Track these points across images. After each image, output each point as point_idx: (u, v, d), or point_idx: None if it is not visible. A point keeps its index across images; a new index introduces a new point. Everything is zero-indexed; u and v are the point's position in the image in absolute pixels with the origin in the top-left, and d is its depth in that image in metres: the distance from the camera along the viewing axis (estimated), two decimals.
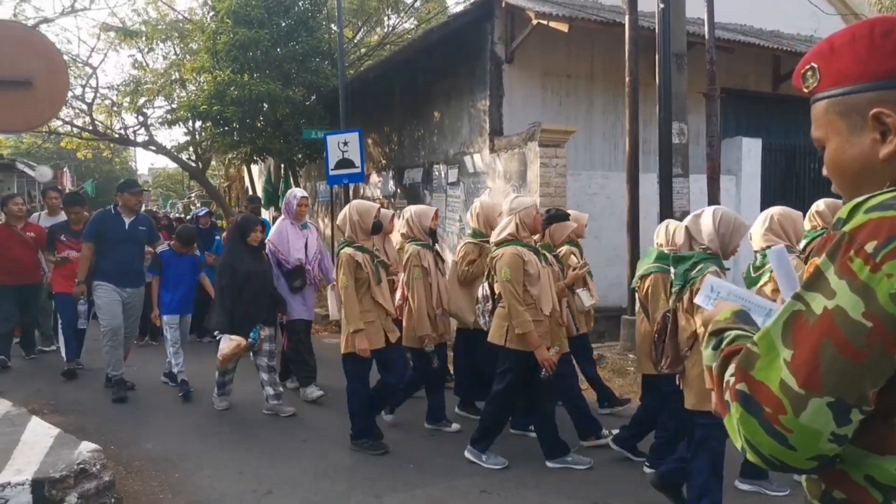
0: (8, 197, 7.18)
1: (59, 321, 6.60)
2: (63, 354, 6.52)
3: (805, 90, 1.04)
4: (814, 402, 0.81)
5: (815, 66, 1.01)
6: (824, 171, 1.05)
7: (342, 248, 4.39)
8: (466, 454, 4.28)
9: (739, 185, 8.81)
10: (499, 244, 4.09)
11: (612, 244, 7.40)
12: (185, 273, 5.95)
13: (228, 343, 4.94)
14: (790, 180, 9.62)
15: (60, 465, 3.26)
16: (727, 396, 0.92)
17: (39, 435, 3.72)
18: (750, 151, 8.90)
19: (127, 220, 5.74)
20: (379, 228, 4.76)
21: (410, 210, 4.98)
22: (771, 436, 0.84)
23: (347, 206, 4.56)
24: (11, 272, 6.66)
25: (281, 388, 5.33)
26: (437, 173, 9.59)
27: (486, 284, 4.33)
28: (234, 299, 5.02)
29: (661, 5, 6.39)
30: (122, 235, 5.67)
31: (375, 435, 4.55)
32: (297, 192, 5.93)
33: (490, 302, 4.26)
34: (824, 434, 0.82)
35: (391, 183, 11.06)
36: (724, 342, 1.06)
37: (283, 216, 5.92)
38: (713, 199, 7.48)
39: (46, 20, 15.22)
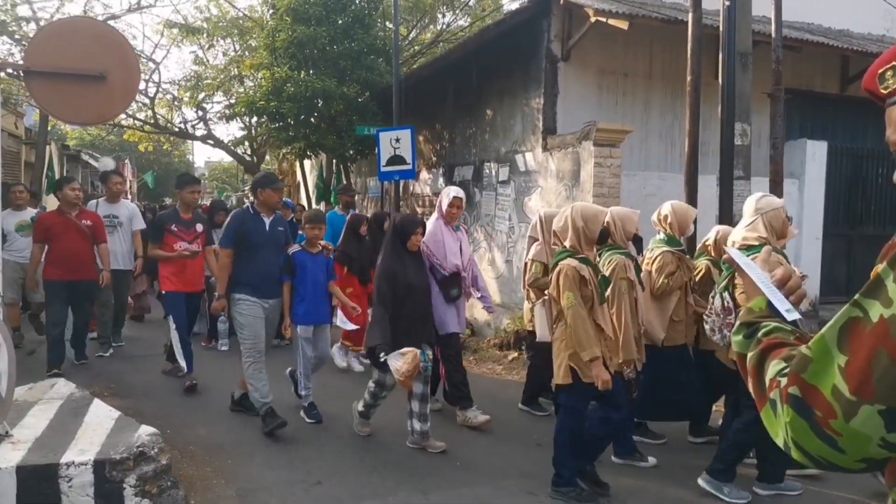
0: (65, 180, 6.38)
1: (172, 326, 5.71)
2: (182, 364, 5.72)
3: (882, 91, 1.01)
4: (865, 409, 0.81)
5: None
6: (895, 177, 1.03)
7: (561, 259, 3.69)
8: (702, 483, 3.84)
9: (802, 188, 8.49)
10: (749, 248, 3.61)
11: None
12: (319, 276, 5.06)
13: (402, 359, 4.12)
14: (856, 185, 9.22)
15: (121, 448, 3.37)
16: (773, 395, 0.93)
17: (101, 417, 3.85)
18: (815, 154, 8.57)
19: (267, 221, 4.91)
20: (606, 237, 4.16)
21: (612, 212, 4.49)
22: (821, 438, 0.84)
23: (568, 209, 3.82)
24: (65, 266, 5.88)
25: (429, 423, 4.50)
26: (487, 171, 9.54)
27: (725, 295, 3.78)
28: (396, 313, 4.27)
29: (727, 3, 6.21)
30: (263, 238, 4.84)
31: (594, 482, 3.81)
32: (450, 191, 5.27)
33: (732, 314, 3.70)
34: (874, 439, 0.82)
35: (441, 180, 11.07)
36: (761, 332, 1.06)
37: (435, 216, 5.27)
38: None
39: (114, 16, 15.76)
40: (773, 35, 7.13)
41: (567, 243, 3.72)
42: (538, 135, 8.24)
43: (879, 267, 0.86)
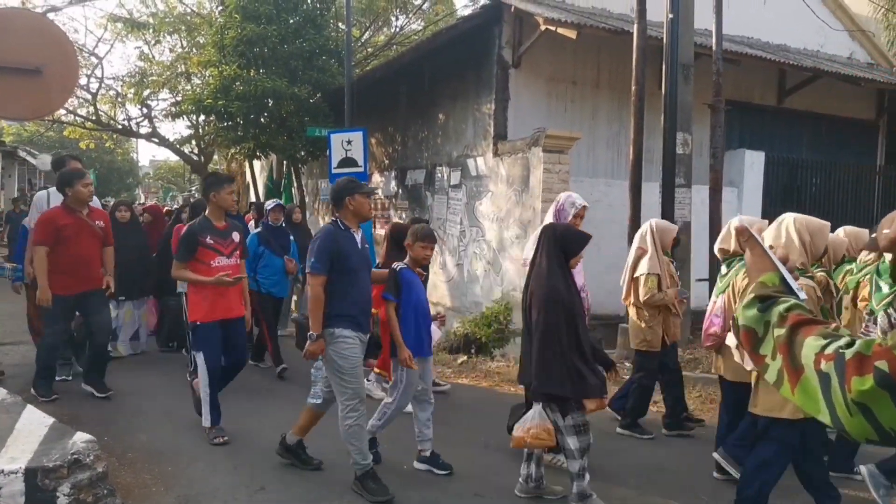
0: (75, 175, 5.04)
1: (201, 369, 4.52)
2: (207, 418, 4.56)
3: None
4: None
5: None
6: None
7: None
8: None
9: (741, 196, 8.83)
10: None
11: (612, 252, 7.41)
12: (422, 297, 4.24)
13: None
14: (792, 193, 9.64)
15: (54, 455, 3.25)
16: (825, 367, 1.00)
17: (34, 424, 3.71)
18: (753, 164, 8.92)
19: (357, 236, 3.94)
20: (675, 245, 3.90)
21: (651, 224, 4.31)
22: None
23: (786, 222, 3.38)
24: (75, 275, 4.97)
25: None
26: (439, 175, 9.59)
27: (891, 311, 3.54)
28: (569, 349, 3.48)
29: (671, 15, 6.41)
30: (359, 259, 3.89)
31: None
32: (576, 200, 4.49)
33: None
34: None
35: (393, 183, 11.06)
36: (781, 307, 1.12)
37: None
38: (715, 210, 7.50)
39: (55, 9, 15.18)
40: (714, 48, 7.40)
41: (797, 260, 3.22)
42: (489, 140, 8.33)
43: None
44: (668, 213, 6.59)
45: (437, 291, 9.18)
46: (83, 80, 16.88)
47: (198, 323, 4.49)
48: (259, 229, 6.66)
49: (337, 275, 3.79)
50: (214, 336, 4.51)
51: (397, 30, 17.53)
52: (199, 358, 4.52)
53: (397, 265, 4.15)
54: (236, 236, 4.73)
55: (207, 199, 4.69)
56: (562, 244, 3.63)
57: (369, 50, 17.00)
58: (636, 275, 4.75)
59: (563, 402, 3.47)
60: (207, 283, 4.46)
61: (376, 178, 11.66)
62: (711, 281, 7.54)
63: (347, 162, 8.72)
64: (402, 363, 4.00)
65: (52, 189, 5.61)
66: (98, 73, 17.38)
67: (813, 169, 9.81)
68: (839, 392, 0.98)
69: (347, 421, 3.76)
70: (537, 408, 3.49)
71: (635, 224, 7.01)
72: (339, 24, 13.47)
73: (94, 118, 17.85)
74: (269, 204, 6.90)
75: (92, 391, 5.40)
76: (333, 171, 8.84)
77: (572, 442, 3.47)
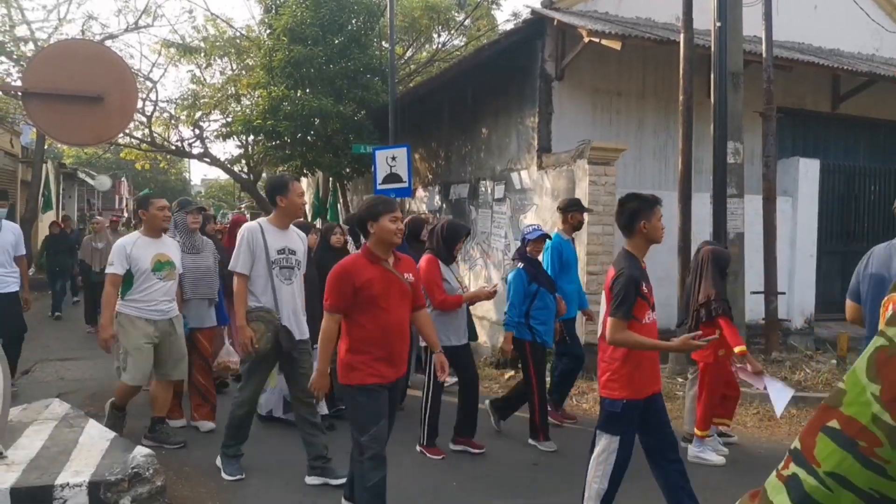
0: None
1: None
2: None
3: None
4: None
5: None
6: None
7: None
8: None
9: (796, 206, 8.55)
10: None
11: (661, 265, 7.26)
12: None
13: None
14: (849, 202, 9.30)
15: (116, 469, 3.35)
16: (790, 470, 0.91)
17: (96, 438, 3.84)
18: (807, 172, 8.65)
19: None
20: None
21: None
22: (869, 468, 0.85)
23: None
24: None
25: None
26: (483, 189, 9.60)
27: None
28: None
29: (718, 24, 6.30)
30: None
31: None
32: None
33: None
34: None
35: (437, 198, 11.12)
36: None
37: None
38: (769, 220, 7.30)
39: (112, 36, 15.89)
40: (764, 55, 7.23)
41: None
42: (533, 153, 8.30)
43: None
44: (719, 223, 6.45)
45: (483, 305, 9.14)
46: (139, 104, 17.55)
47: (625, 400, 3.22)
48: (521, 264, 5.03)
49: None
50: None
51: (440, 46, 17.69)
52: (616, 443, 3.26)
53: None
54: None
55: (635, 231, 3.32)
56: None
57: (412, 67, 17.19)
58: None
59: None
60: (655, 347, 3.30)
61: (420, 193, 11.74)
62: (767, 293, 7.32)
63: (392, 178, 8.82)
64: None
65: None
66: (153, 96, 18.02)
67: (871, 176, 9.45)
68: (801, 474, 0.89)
69: None
70: None
71: (686, 236, 6.88)
72: (383, 43, 13.67)
73: (149, 140, 18.50)
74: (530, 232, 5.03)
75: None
76: (379, 186, 8.95)
77: None
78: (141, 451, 3.58)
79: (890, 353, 0.85)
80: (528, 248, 4.91)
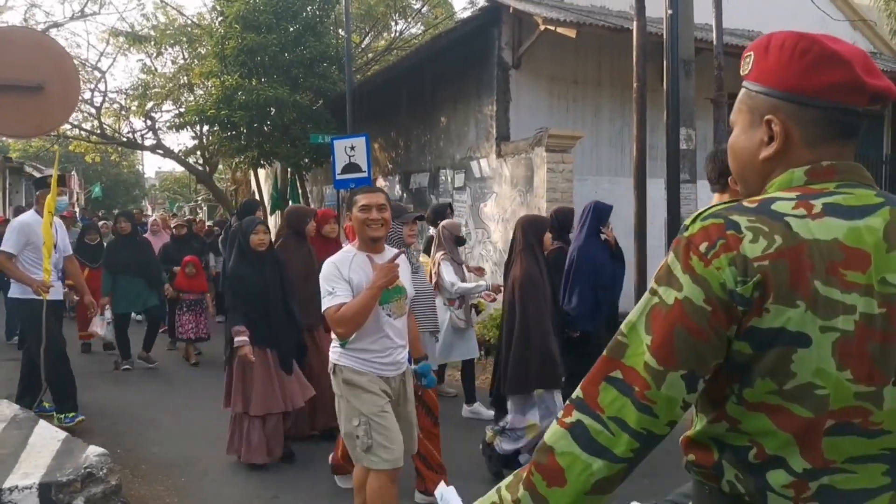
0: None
1: None
2: None
3: (741, 73, 1.14)
4: (671, 376, 0.96)
5: (752, 56, 1.12)
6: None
7: None
8: None
9: None
10: None
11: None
12: None
13: None
14: None
15: (67, 469, 3.26)
16: (572, 417, 1.02)
17: (47, 438, 3.72)
18: None
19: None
20: None
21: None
22: (640, 410, 0.97)
23: None
24: None
25: None
26: (443, 178, 9.59)
27: None
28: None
29: (670, 11, 6.38)
30: None
31: None
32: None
33: None
34: (678, 401, 0.98)
35: (398, 187, 11.07)
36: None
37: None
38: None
39: (56, 24, 15.35)
40: (715, 42, 7.37)
41: None
42: (492, 141, 8.32)
43: (669, 257, 1.01)
44: (673, 208, 6.56)
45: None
46: (87, 95, 16.98)
47: None
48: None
49: None
50: None
51: (397, 34, 17.55)
52: None
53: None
54: None
55: None
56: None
57: (370, 55, 17.03)
58: None
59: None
60: None
61: (380, 183, 11.67)
62: None
63: (351, 167, 8.74)
64: None
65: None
66: (101, 86, 17.49)
67: None
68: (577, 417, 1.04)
69: None
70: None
71: (641, 221, 6.99)
72: (339, 31, 13.50)
73: (98, 132, 17.96)
74: None
75: None
76: (338, 177, 8.86)
77: None
78: (94, 451, 3.49)
79: (659, 309, 0.99)
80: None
